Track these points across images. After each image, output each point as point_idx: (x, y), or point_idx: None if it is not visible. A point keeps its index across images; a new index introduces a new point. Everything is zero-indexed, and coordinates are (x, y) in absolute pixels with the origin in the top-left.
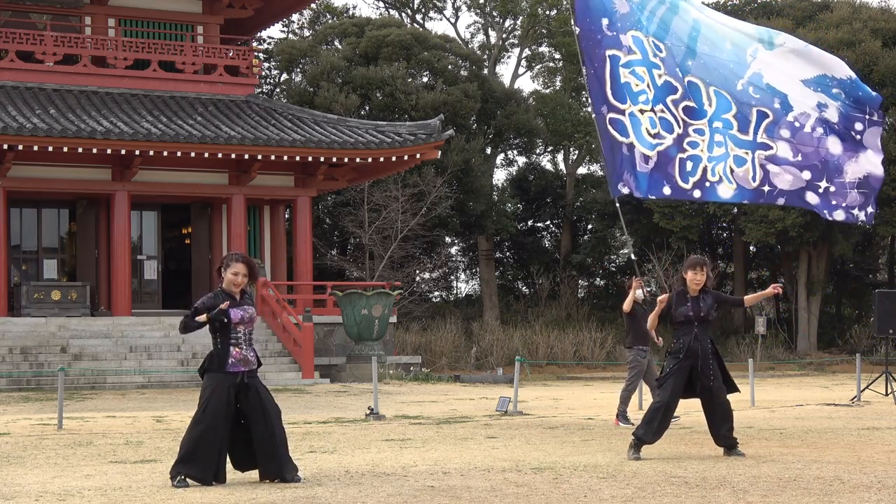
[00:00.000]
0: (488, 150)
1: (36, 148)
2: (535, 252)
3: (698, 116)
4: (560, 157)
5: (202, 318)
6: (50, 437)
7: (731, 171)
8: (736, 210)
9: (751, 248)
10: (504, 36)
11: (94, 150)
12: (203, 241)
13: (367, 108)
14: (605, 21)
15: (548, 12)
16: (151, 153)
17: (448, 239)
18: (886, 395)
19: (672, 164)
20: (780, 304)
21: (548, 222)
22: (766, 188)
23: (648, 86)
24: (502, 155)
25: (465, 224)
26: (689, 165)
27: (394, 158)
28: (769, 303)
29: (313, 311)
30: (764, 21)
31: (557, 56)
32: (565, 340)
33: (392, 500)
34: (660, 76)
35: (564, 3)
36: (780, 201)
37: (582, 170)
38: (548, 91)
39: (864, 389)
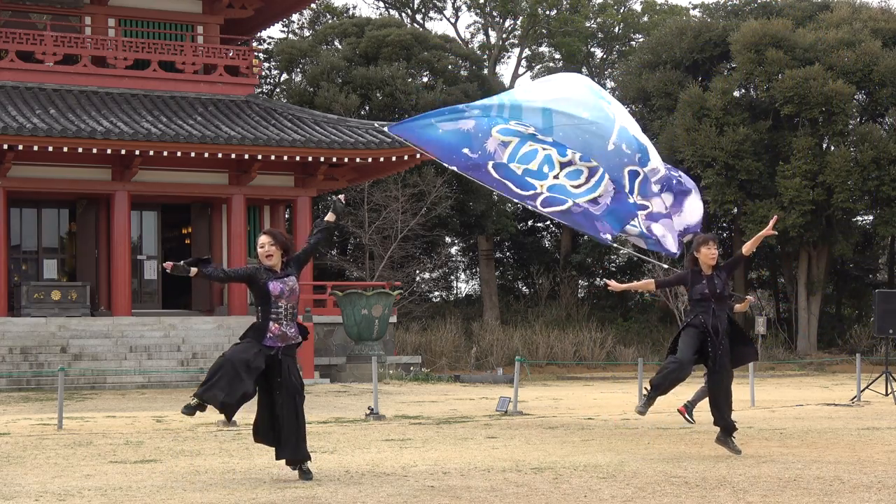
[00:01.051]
0: None
1: (36, 148)
2: (535, 252)
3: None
4: None
5: (168, 265)
6: (50, 437)
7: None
8: (736, 210)
9: None
10: (504, 36)
11: (94, 150)
12: (203, 241)
13: (367, 108)
14: (465, 150)
15: (548, 12)
16: (151, 153)
17: (448, 239)
18: (886, 395)
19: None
20: (780, 304)
21: (548, 222)
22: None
23: (544, 149)
24: None
25: (465, 224)
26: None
27: (394, 158)
28: (769, 303)
29: (313, 311)
30: (764, 21)
31: (557, 56)
32: (565, 340)
33: (392, 500)
34: (544, 146)
35: (565, 2)
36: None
37: None
38: None
39: (864, 389)
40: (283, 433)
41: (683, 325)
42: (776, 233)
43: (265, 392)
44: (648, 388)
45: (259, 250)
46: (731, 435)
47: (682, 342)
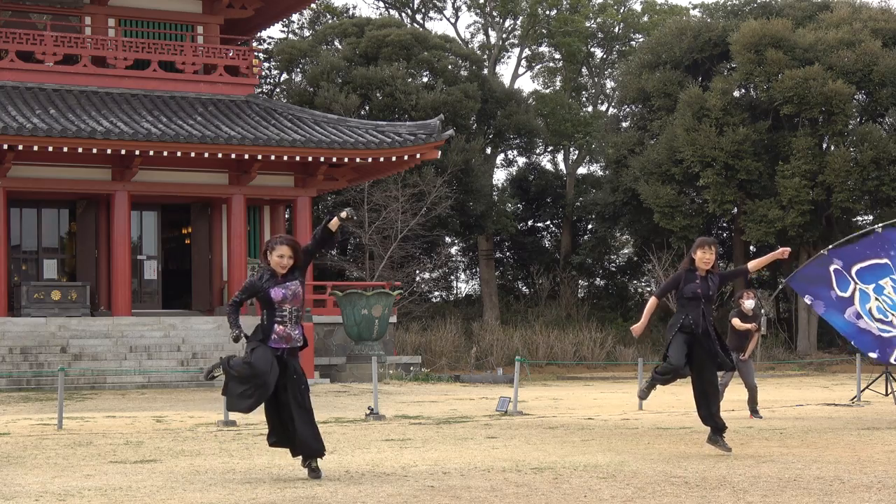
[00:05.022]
0: (488, 150)
1: (36, 148)
2: (535, 252)
3: None
4: (560, 157)
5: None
6: (50, 437)
7: None
8: (735, 210)
9: (751, 247)
10: (504, 36)
11: (94, 150)
12: (203, 241)
13: (367, 108)
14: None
15: (548, 12)
16: (151, 153)
17: (448, 239)
18: (886, 395)
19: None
20: (780, 304)
21: (548, 222)
22: None
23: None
24: (502, 155)
25: (465, 224)
26: None
27: (394, 158)
28: (769, 303)
29: (313, 311)
30: (764, 21)
31: (557, 56)
32: (565, 340)
33: (392, 500)
34: None
35: (565, 2)
36: None
37: (582, 170)
38: (548, 91)
39: (864, 389)
40: (298, 430)
41: (673, 328)
42: (786, 255)
43: (272, 395)
44: (651, 379)
45: (277, 259)
46: (722, 434)
47: (675, 349)
